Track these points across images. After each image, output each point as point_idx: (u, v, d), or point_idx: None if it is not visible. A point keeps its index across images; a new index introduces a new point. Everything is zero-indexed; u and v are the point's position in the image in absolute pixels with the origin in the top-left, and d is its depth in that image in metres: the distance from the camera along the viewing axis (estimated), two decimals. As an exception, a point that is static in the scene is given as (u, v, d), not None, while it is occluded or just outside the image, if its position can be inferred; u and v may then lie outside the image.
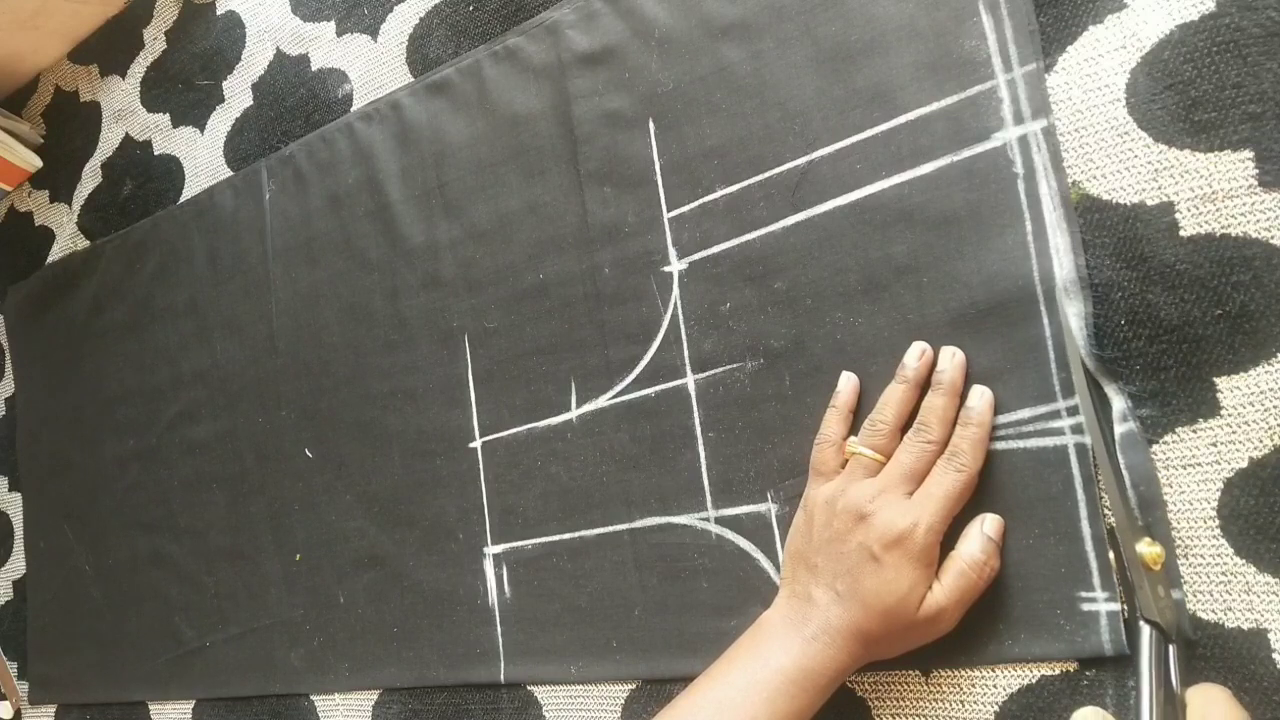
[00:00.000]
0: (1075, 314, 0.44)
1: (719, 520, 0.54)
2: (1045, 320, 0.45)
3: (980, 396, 0.46)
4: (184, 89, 0.86)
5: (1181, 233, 0.43)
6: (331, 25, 0.75)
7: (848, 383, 0.49)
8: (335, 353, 0.72)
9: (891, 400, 0.47)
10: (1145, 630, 0.40)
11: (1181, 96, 0.43)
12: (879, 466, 0.46)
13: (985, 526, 0.45)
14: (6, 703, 0.95)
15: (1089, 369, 0.43)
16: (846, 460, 0.48)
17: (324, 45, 0.75)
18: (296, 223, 0.75)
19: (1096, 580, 0.43)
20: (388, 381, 0.69)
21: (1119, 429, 0.43)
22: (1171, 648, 0.40)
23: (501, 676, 0.61)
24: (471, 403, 0.64)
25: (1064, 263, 0.45)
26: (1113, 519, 0.43)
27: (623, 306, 0.58)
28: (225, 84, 0.82)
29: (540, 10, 0.64)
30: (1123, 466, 0.43)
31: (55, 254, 0.96)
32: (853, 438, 0.48)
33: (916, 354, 0.47)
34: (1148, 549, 0.41)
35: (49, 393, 0.95)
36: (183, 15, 0.87)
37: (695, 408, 0.55)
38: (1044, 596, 0.44)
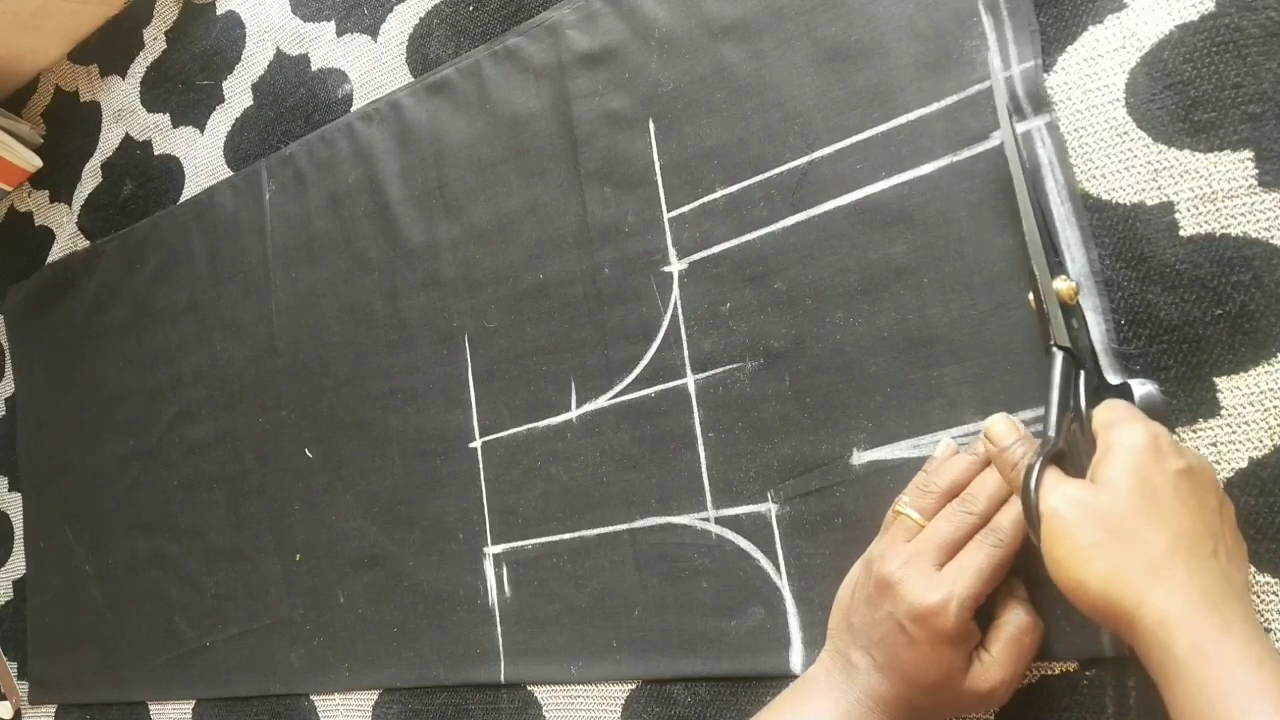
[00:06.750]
0: (1092, 308, 0.44)
1: (719, 520, 0.54)
2: (1045, 320, 0.45)
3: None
4: (184, 89, 0.86)
5: (1181, 233, 0.43)
6: (331, 25, 0.75)
7: (945, 450, 0.47)
8: (335, 353, 0.72)
9: (954, 467, 0.45)
10: (1058, 355, 0.42)
11: (1181, 96, 0.43)
12: (919, 530, 0.44)
13: (1017, 591, 0.44)
14: (6, 703, 0.95)
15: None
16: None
17: (324, 45, 0.75)
18: (296, 223, 0.75)
19: (1096, 580, 0.43)
20: (388, 381, 0.69)
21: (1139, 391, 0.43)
22: (1081, 372, 0.42)
23: (501, 676, 0.61)
24: (471, 403, 0.64)
25: (1076, 257, 0.45)
26: (1032, 262, 0.44)
27: (623, 306, 0.58)
28: (225, 84, 0.82)
29: (540, 10, 0.64)
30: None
31: (55, 254, 0.96)
32: (904, 497, 0.46)
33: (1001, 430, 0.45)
34: (1064, 285, 0.43)
35: (49, 393, 0.95)
36: (183, 15, 0.87)
37: (695, 408, 0.55)
38: (1045, 597, 0.44)
